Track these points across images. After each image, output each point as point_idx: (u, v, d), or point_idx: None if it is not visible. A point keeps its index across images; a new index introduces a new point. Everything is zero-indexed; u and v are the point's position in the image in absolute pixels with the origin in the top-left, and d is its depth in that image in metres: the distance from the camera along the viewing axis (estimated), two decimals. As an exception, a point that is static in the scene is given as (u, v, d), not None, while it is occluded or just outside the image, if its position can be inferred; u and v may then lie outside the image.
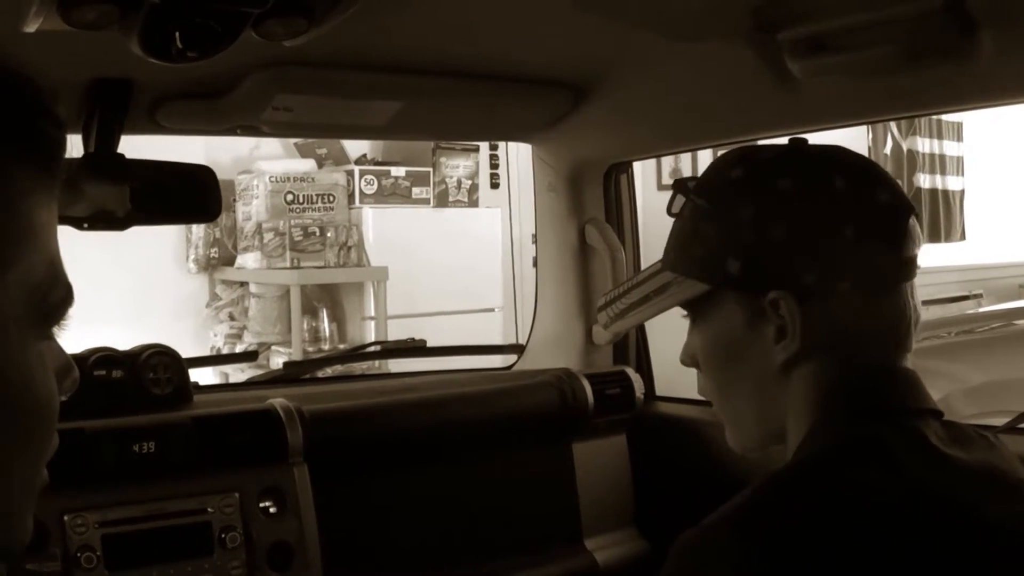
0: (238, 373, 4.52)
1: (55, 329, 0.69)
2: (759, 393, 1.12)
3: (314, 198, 4.86)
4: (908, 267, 1.08)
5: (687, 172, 5.11)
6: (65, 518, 1.54)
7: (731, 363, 1.14)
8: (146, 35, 1.12)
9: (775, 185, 1.08)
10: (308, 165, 5.07)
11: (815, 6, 1.39)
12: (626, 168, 2.31)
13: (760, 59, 1.52)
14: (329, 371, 3.38)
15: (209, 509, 1.65)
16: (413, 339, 2.95)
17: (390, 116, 1.83)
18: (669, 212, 1.18)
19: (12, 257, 0.64)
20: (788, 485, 0.98)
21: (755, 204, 1.07)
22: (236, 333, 5.09)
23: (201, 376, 1.99)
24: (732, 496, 0.98)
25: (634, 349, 2.34)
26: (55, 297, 0.67)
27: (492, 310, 5.16)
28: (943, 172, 7.57)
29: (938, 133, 7.48)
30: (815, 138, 1.16)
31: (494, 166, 5.34)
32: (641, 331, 2.36)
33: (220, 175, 1.77)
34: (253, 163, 5.01)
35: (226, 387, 3.01)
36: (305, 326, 4.90)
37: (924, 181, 7.39)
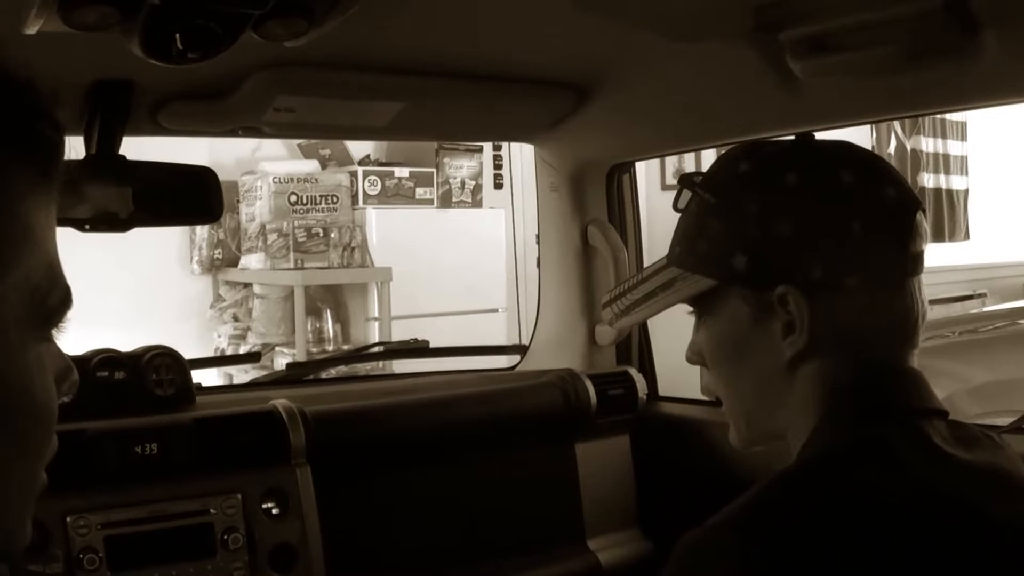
0: (242, 374, 4.52)
1: (54, 331, 0.69)
2: (765, 389, 1.11)
3: (318, 199, 4.86)
4: (915, 263, 1.08)
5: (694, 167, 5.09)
6: (68, 519, 1.54)
7: (737, 359, 1.13)
8: (147, 36, 1.12)
9: (782, 180, 1.07)
10: (312, 166, 5.07)
11: (816, 6, 1.38)
12: (628, 168, 2.30)
13: (762, 59, 1.51)
14: (333, 372, 3.39)
15: (211, 510, 1.65)
16: (416, 340, 2.96)
17: (392, 117, 1.83)
18: (675, 207, 1.18)
19: (10, 259, 0.64)
20: (792, 486, 0.98)
21: (762, 199, 1.07)
22: (240, 334, 5.09)
23: (205, 377, 1.99)
24: (735, 496, 0.98)
25: (637, 349, 2.34)
26: (54, 299, 0.67)
27: (496, 311, 5.16)
28: (947, 172, 7.56)
29: (942, 132, 7.47)
30: (819, 137, 1.16)
31: (497, 167, 5.34)
32: (644, 331, 2.36)
33: (223, 176, 1.77)
34: (256, 164, 5.01)
35: (229, 388, 3.01)
36: (309, 327, 4.89)
37: (928, 181, 7.38)
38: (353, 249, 4.88)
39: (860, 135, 6.25)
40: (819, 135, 1.19)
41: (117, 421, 1.63)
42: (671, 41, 1.56)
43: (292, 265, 4.77)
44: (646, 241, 2.43)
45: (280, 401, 1.77)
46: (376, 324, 4.87)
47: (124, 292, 4.66)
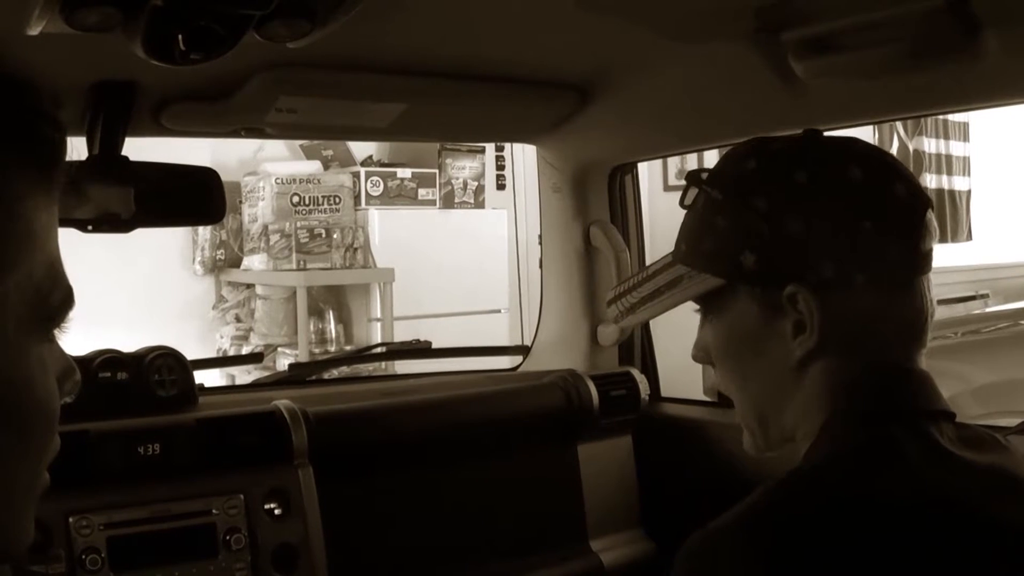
0: (244, 375, 4.52)
1: (56, 331, 0.69)
2: (774, 389, 1.10)
3: (320, 200, 4.86)
4: (925, 261, 1.07)
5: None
6: (70, 520, 1.54)
7: (746, 359, 1.12)
8: (149, 37, 1.12)
9: (791, 178, 1.06)
10: (314, 167, 5.07)
11: (819, 6, 1.38)
12: (631, 169, 2.30)
13: (764, 60, 1.51)
14: (335, 373, 3.39)
15: (214, 511, 1.65)
16: (419, 340, 2.96)
17: (394, 117, 1.83)
18: (682, 204, 1.17)
19: (12, 260, 0.64)
20: (799, 487, 0.98)
21: (771, 197, 1.06)
22: (242, 335, 5.10)
23: (207, 378, 1.99)
24: (738, 497, 0.98)
25: (639, 350, 2.34)
26: (56, 299, 0.67)
27: (498, 311, 5.16)
28: (949, 172, 7.55)
29: (944, 133, 7.46)
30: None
31: (500, 167, 5.34)
32: (646, 332, 2.36)
33: (226, 177, 1.77)
34: (259, 165, 5.01)
35: (232, 389, 3.02)
36: (311, 328, 4.90)
37: (930, 181, 7.36)
38: (355, 250, 4.88)
39: (862, 136, 6.23)
40: (838, 134, 1.19)
41: (119, 422, 1.63)
42: (673, 42, 1.56)
43: (294, 266, 4.77)
44: (648, 242, 2.43)
45: (282, 402, 1.77)
46: (378, 325, 4.87)
47: (126, 293, 4.67)
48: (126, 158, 1.62)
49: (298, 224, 4.77)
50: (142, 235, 1.73)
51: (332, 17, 1.18)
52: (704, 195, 1.12)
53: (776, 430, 1.14)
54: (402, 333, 4.66)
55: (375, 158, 5.28)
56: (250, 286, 5.11)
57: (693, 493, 2.07)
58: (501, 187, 5.33)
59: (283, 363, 4.72)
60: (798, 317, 1.05)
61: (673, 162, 5.43)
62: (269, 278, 4.89)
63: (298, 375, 2.61)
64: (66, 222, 1.50)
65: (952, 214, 7.55)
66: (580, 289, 2.28)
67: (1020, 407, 3.69)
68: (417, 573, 1.91)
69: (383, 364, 3.81)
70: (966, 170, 7.71)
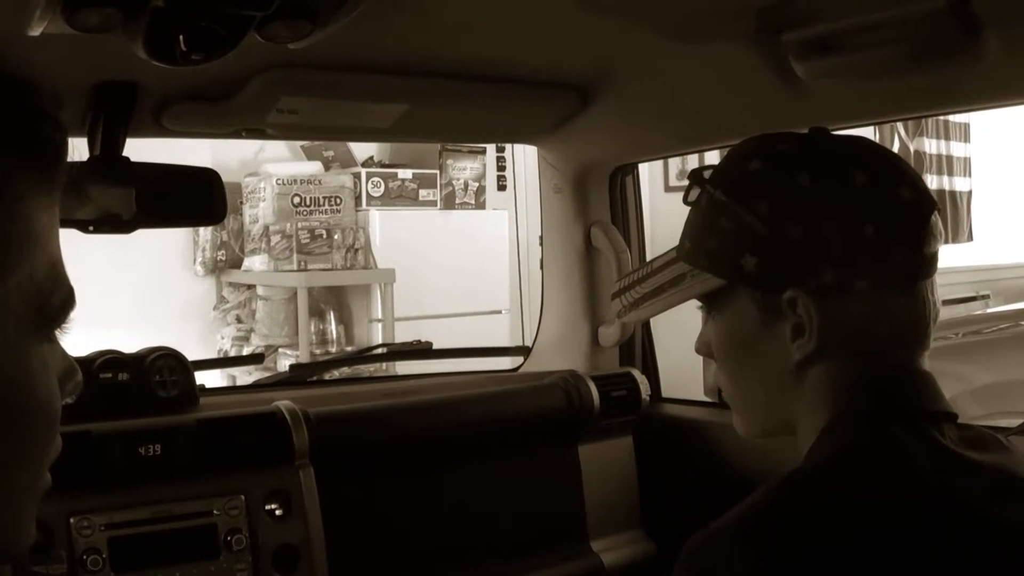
0: (245, 376, 4.52)
1: (58, 332, 0.69)
2: (773, 389, 1.11)
3: (321, 200, 4.87)
4: (929, 264, 1.06)
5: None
6: (71, 520, 1.54)
7: (745, 359, 1.12)
8: (150, 38, 1.12)
9: (794, 180, 1.05)
10: (315, 168, 5.07)
11: (820, 7, 1.38)
12: (631, 170, 2.30)
13: (765, 60, 1.51)
14: (336, 373, 3.39)
15: (215, 511, 1.65)
16: (420, 341, 2.96)
17: (396, 118, 1.83)
18: (685, 201, 1.16)
19: (13, 260, 0.64)
20: (800, 488, 0.97)
21: (773, 200, 1.05)
22: (243, 335, 5.10)
23: (208, 379, 1.99)
24: (739, 497, 0.98)
25: (640, 350, 2.34)
26: (57, 300, 0.67)
27: (499, 312, 5.16)
28: (950, 173, 7.55)
29: (945, 134, 7.46)
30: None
31: (501, 168, 5.34)
32: (647, 332, 2.36)
33: (227, 178, 1.77)
34: (260, 166, 5.01)
35: (233, 390, 3.02)
36: (312, 328, 4.90)
37: (931, 182, 7.36)
38: (356, 251, 4.88)
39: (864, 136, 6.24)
40: (844, 133, 1.18)
41: (121, 422, 1.63)
42: (674, 42, 1.56)
43: (295, 267, 4.77)
44: (649, 242, 2.43)
45: (283, 402, 1.77)
46: (379, 326, 4.87)
47: (127, 293, 4.67)
48: (127, 159, 1.62)
49: (299, 225, 4.77)
50: (143, 236, 1.73)
51: (333, 18, 1.17)
52: (707, 194, 1.12)
53: (766, 420, 1.14)
54: (403, 334, 4.67)
55: (376, 159, 5.28)
56: (251, 287, 5.11)
57: (694, 493, 2.07)
58: (502, 188, 5.33)
59: (284, 364, 4.73)
60: (797, 320, 1.05)
61: (674, 163, 5.43)
62: (270, 279, 4.89)
63: (299, 376, 2.61)
64: (67, 223, 1.50)
65: (953, 215, 7.54)
66: (581, 290, 2.28)
67: (1021, 408, 3.69)
68: (418, 573, 1.91)
69: (384, 365, 3.82)
70: (967, 171, 7.71)
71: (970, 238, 7.69)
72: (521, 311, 4.74)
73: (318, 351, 4.86)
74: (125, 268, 4.56)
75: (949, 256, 6.88)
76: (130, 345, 1.79)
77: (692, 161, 5.06)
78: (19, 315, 0.64)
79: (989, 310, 6.04)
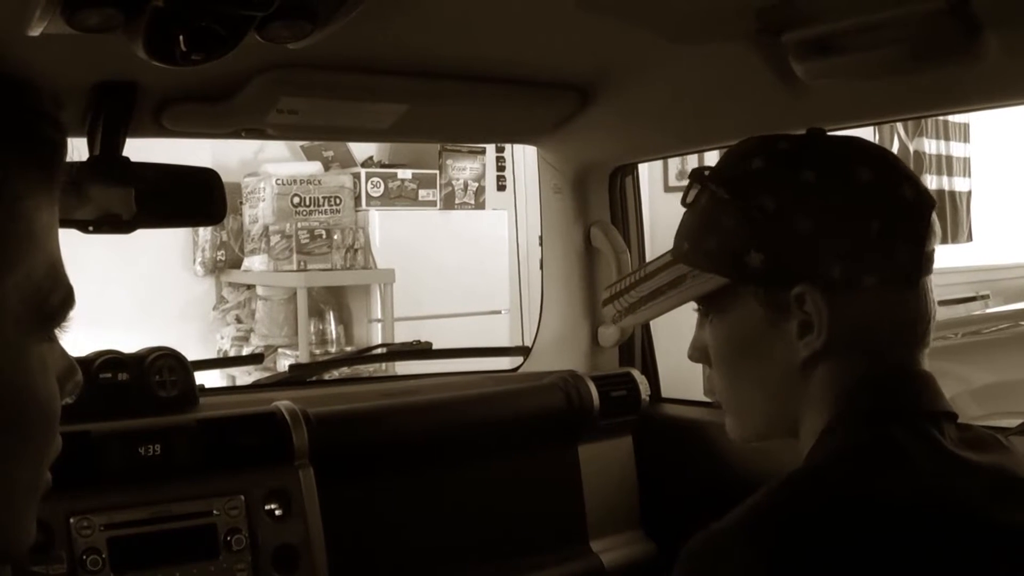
0: (245, 376, 4.52)
1: (57, 331, 0.69)
2: (775, 389, 1.10)
3: (320, 201, 4.87)
4: (928, 262, 1.07)
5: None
6: (71, 520, 1.54)
7: (748, 359, 1.11)
8: (150, 38, 1.12)
9: (799, 177, 1.05)
10: (314, 168, 5.07)
11: (820, 8, 1.38)
12: (631, 170, 2.30)
13: (765, 61, 1.51)
14: (335, 373, 3.39)
15: (215, 511, 1.65)
16: (419, 341, 2.96)
17: (396, 118, 1.83)
18: (684, 203, 1.15)
19: (12, 259, 0.64)
20: (801, 488, 0.97)
21: (778, 196, 1.05)
22: (243, 335, 5.10)
23: (207, 379, 1.99)
24: (739, 498, 0.98)
25: (640, 351, 2.34)
26: (56, 299, 0.68)
27: (499, 312, 5.16)
28: (950, 173, 7.55)
29: (945, 134, 7.46)
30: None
31: (500, 168, 5.34)
32: (646, 332, 2.36)
33: (226, 178, 1.77)
34: (259, 166, 5.01)
35: (232, 390, 3.02)
36: (312, 328, 4.90)
37: (931, 182, 7.36)
38: (356, 251, 4.88)
39: (863, 137, 6.24)
40: (841, 133, 1.18)
41: (120, 423, 1.63)
42: (674, 43, 1.56)
43: (295, 267, 4.77)
44: (649, 243, 2.43)
45: (283, 403, 1.77)
46: (379, 326, 4.87)
47: (127, 293, 4.67)
48: (127, 159, 1.62)
49: (299, 225, 4.77)
50: (143, 236, 1.73)
51: (333, 18, 1.17)
52: (708, 193, 1.11)
53: (763, 424, 1.14)
54: (402, 334, 4.67)
55: (376, 159, 5.29)
56: (251, 287, 5.11)
57: (693, 494, 2.07)
58: (501, 188, 5.33)
59: (283, 364, 4.73)
60: (804, 318, 1.04)
61: (673, 163, 5.43)
62: (270, 279, 4.90)
63: (299, 376, 2.60)
64: (67, 223, 1.50)
65: (952, 215, 7.54)
66: (580, 290, 2.28)
67: (1020, 408, 3.69)
68: (417, 573, 1.91)
69: (383, 365, 3.82)
70: (966, 171, 7.71)
71: (970, 238, 7.69)
72: (521, 311, 4.74)
73: (318, 351, 4.86)
74: (125, 268, 4.56)
75: (949, 256, 6.89)
76: (130, 345, 1.79)
77: (692, 161, 5.06)
78: (18, 314, 0.64)
79: (989, 310, 6.04)
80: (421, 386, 2.16)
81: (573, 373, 2.13)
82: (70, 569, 1.52)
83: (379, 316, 4.88)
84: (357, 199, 4.96)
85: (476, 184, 5.24)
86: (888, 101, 1.59)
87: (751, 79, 1.57)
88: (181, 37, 1.12)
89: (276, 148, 5.16)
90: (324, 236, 4.81)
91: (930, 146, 7.35)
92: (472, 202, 5.23)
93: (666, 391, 2.35)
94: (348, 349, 4.96)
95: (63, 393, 0.70)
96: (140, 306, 4.73)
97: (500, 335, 4.96)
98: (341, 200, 4.89)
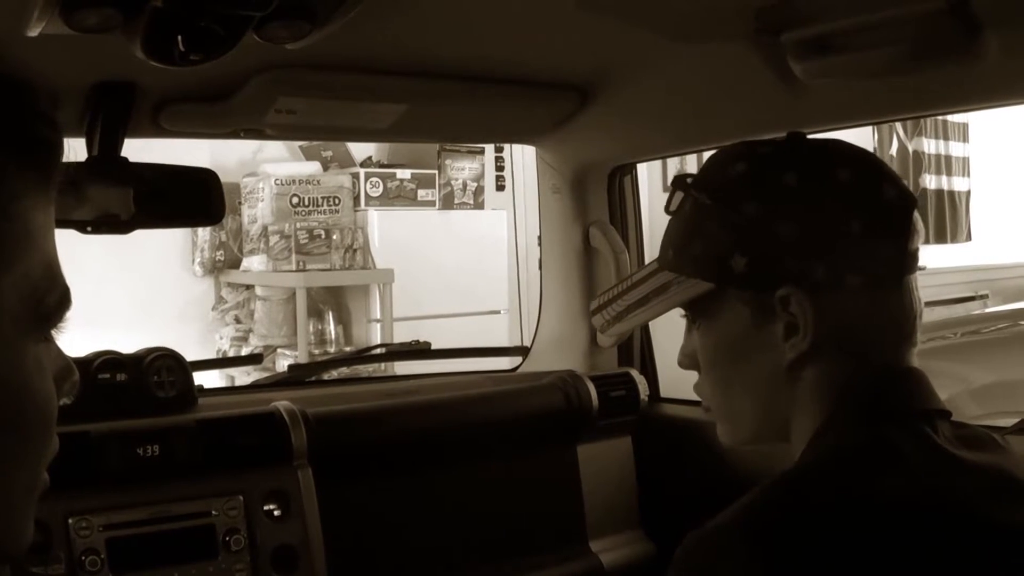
0: (243, 376, 4.52)
1: (54, 331, 0.69)
2: (764, 392, 1.10)
3: (319, 201, 4.87)
4: (912, 260, 1.07)
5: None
6: (69, 521, 1.54)
7: (736, 363, 1.12)
8: (149, 38, 1.12)
9: (780, 180, 1.06)
10: (313, 168, 5.07)
11: (819, 7, 1.38)
12: (630, 170, 2.30)
13: (764, 60, 1.51)
14: (334, 373, 3.39)
15: (213, 512, 1.65)
16: (418, 341, 2.96)
17: (394, 118, 1.82)
18: (667, 210, 1.16)
19: (9, 259, 0.64)
20: (797, 487, 0.97)
21: (760, 199, 1.06)
22: (242, 336, 5.10)
23: (206, 379, 1.99)
24: (737, 497, 0.98)
25: (638, 351, 2.34)
26: (53, 299, 0.67)
27: (498, 312, 5.16)
28: (949, 173, 7.56)
29: (944, 134, 7.47)
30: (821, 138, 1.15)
31: (499, 168, 5.35)
32: (645, 332, 2.36)
33: (225, 178, 1.77)
34: (258, 166, 5.02)
35: (231, 390, 3.02)
36: (311, 328, 4.90)
37: (930, 182, 7.38)
38: (355, 251, 4.88)
39: (862, 136, 6.25)
40: (821, 136, 1.19)
41: (119, 423, 1.63)
42: (673, 43, 1.56)
43: (294, 267, 4.78)
44: (648, 242, 2.43)
45: (282, 403, 1.77)
46: (378, 326, 4.88)
47: (126, 294, 4.67)
48: (125, 159, 1.62)
49: (297, 225, 4.78)
50: (141, 236, 1.73)
51: (332, 18, 1.18)
52: (691, 200, 1.12)
53: (758, 428, 1.14)
54: (401, 334, 4.67)
55: (374, 159, 5.29)
56: (249, 287, 5.11)
57: (692, 494, 2.07)
58: (500, 188, 5.33)
59: (282, 364, 4.73)
60: (790, 319, 1.05)
61: (672, 163, 5.43)
62: (268, 279, 4.90)
63: (297, 376, 2.60)
64: (65, 223, 1.50)
65: (951, 215, 7.56)
66: (579, 290, 2.28)
67: (1019, 408, 3.69)
68: (416, 574, 1.91)
69: (382, 365, 3.82)
70: (965, 171, 7.72)
71: (968, 238, 7.71)
72: (520, 311, 4.74)
73: (316, 351, 4.86)
74: (123, 268, 4.57)
75: (948, 256, 6.91)
76: (128, 345, 1.78)
77: (690, 161, 5.07)
78: (15, 314, 0.64)
79: (988, 310, 6.05)
80: (420, 386, 2.15)
81: (572, 373, 2.13)
82: (69, 569, 1.52)
83: (378, 316, 4.88)
84: (356, 199, 4.96)
85: (475, 184, 5.25)
86: (888, 101, 1.59)
87: (750, 79, 1.57)
88: (180, 37, 1.12)
89: (275, 148, 5.17)
90: (323, 236, 4.81)
91: (929, 146, 7.37)
92: (471, 202, 5.23)
93: (665, 391, 2.35)
94: (347, 349, 4.96)
95: (60, 393, 0.70)
96: (139, 306, 4.73)
97: (499, 335, 4.97)
98: (340, 200, 4.90)
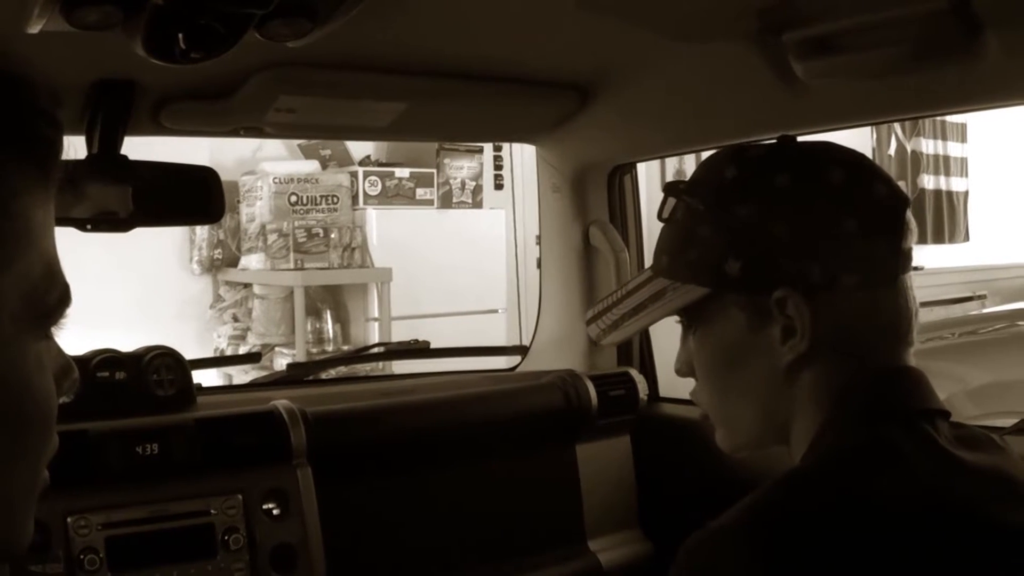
0: (242, 375, 4.52)
1: (53, 329, 0.69)
2: (762, 396, 1.10)
3: (318, 199, 4.87)
4: (907, 259, 1.07)
5: (692, 172, 5.09)
6: (68, 520, 1.54)
7: (734, 368, 1.11)
8: (149, 36, 1.12)
9: (773, 182, 1.06)
10: (312, 166, 5.07)
11: (820, 7, 1.38)
12: (630, 169, 2.30)
13: (765, 60, 1.51)
14: (333, 372, 3.39)
15: (212, 511, 1.65)
16: (417, 340, 2.96)
17: (394, 117, 1.82)
18: (660, 217, 1.16)
19: (8, 257, 0.64)
20: (799, 488, 0.97)
21: (753, 202, 1.06)
22: (240, 334, 5.10)
23: (205, 378, 1.99)
24: (737, 497, 0.98)
25: (638, 350, 2.34)
26: (52, 297, 0.67)
27: (496, 311, 5.16)
28: (947, 173, 7.57)
29: (942, 134, 7.48)
30: (819, 138, 1.15)
31: (498, 167, 5.34)
32: (644, 332, 2.36)
33: (224, 176, 1.76)
34: (257, 164, 5.01)
35: (230, 389, 3.01)
36: (309, 327, 4.90)
37: (928, 182, 7.39)
38: (353, 249, 4.88)
39: (860, 136, 6.26)
40: (820, 137, 1.19)
41: (118, 422, 1.63)
42: (674, 42, 1.56)
43: (292, 265, 4.77)
44: (647, 242, 2.43)
45: (281, 402, 1.77)
46: (376, 325, 4.87)
47: (124, 292, 4.66)
48: (125, 157, 1.62)
49: (296, 224, 4.77)
50: (140, 234, 1.73)
51: (333, 16, 1.17)
52: (684, 205, 1.12)
53: (754, 432, 1.14)
54: (400, 333, 4.67)
55: (373, 158, 5.29)
56: (247, 286, 5.11)
57: (691, 493, 2.07)
58: (499, 187, 5.33)
59: (280, 363, 4.73)
60: (787, 322, 1.05)
61: (671, 162, 5.43)
62: (267, 278, 4.89)
63: (296, 375, 2.60)
64: (65, 221, 1.50)
65: (950, 215, 7.57)
66: (579, 289, 2.28)
67: (1017, 408, 3.70)
68: (415, 573, 1.91)
69: (381, 364, 3.81)
70: (964, 171, 7.73)
71: (967, 238, 7.72)
72: (519, 310, 4.74)
73: (314, 350, 4.86)
74: (122, 267, 4.56)
75: (946, 256, 6.91)
76: (127, 344, 1.78)
77: (690, 160, 5.07)
78: (14, 312, 0.64)
79: (986, 310, 6.05)
80: (419, 385, 2.15)
81: (571, 372, 2.13)
82: (67, 568, 1.52)
83: (376, 315, 4.88)
84: (354, 198, 4.96)
85: (474, 183, 5.24)
86: (888, 101, 1.59)
87: (751, 78, 1.57)
88: (180, 35, 1.12)
89: (274, 147, 5.16)
90: (321, 235, 4.81)
91: (927, 146, 7.37)
92: (470, 201, 5.23)
93: (664, 390, 2.35)
94: (345, 348, 4.96)
95: (60, 391, 0.70)
96: (137, 305, 4.73)
97: (497, 334, 4.97)
98: (338, 199, 4.89)
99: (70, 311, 0.69)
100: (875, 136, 6.86)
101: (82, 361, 1.66)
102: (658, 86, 1.77)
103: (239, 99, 1.61)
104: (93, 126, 1.58)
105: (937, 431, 1.01)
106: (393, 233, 4.97)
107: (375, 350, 3.57)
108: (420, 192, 5.08)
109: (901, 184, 1.18)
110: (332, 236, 4.81)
